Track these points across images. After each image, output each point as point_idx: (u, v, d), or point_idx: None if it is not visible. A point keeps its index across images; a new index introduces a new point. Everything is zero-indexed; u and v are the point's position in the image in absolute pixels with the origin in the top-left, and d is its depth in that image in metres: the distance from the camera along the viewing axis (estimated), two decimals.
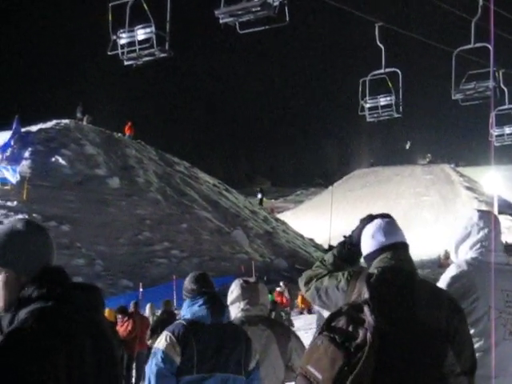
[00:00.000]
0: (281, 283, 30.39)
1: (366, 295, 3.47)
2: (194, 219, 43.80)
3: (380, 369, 3.32)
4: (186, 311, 4.98)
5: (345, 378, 3.26)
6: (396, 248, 3.69)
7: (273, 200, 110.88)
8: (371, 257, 3.76)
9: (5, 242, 2.93)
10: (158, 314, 20.98)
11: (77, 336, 2.78)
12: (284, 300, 29.86)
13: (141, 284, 29.88)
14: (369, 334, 3.31)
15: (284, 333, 5.57)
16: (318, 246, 56.35)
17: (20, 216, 35.12)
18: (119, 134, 55.12)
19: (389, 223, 3.78)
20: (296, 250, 48.49)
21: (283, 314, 27.52)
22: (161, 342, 4.81)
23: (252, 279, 5.75)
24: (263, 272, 36.56)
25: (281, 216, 72.60)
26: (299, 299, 33.72)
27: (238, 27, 17.60)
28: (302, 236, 57.54)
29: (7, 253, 2.92)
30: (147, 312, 19.84)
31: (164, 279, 33.07)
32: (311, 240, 58.20)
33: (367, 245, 3.79)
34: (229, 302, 5.50)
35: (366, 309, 3.40)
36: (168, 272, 34.21)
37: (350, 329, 3.39)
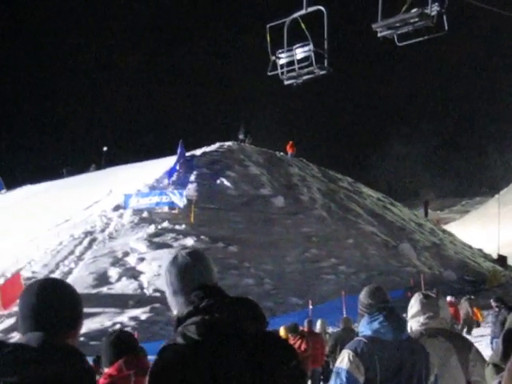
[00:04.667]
0: (448, 297, 29.66)
1: None
2: (359, 234, 43.54)
3: None
4: (366, 328, 4.90)
5: None
6: None
7: (438, 211, 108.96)
8: None
9: (167, 270, 3.26)
10: (329, 330, 20.97)
11: (221, 350, 2.87)
12: (455, 311, 28.94)
13: (310, 301, 29.93)
14: None
15: (464, 345, 5.42)
16: (486, 256, 54.98)
17: (189, 239, 36.09)
18: (281, 153, 55.68)
19: None
20: (465, 261, 47.40)
21: (455, 326, 26.86)
22: (344, 361, 4.74)
23: (432, 293, 5.63)
24: (432, 284, 35.82)
25: (447, 227, 71.22)
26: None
27: (396, 39, 17.42)
28: (470, 246, 56.27)
29: (168, 278, 3.24)
30: (318, 328, 19.82)
31: (333, 295, 32.99)
32: (480, 250, 56.85)
33: None
34: (409, 316, 5.44)
35: None
36: (336, 288, 34.11)
37: None
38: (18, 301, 3.00)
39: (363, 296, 5.13)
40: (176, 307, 3.17)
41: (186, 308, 3.04)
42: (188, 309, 3.02)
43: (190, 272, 3.17)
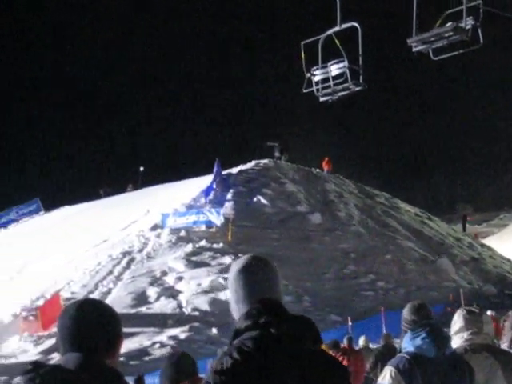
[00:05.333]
0: (488, 312, 29.31)
1: None
2: (397, 250, 43.27)
3: None
4: (408, 344, 4.86)
5: None
6: None
7: (476, 226, 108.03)
8: None
9: (234, 278, 3.24)
10: (370, 346, 20.81)
11: (275, 365, 2.87)
12: (497, 326, 28.60)
13: (349, 318, 29.78)
14: None
15: (509, 360, 5.34)
16: None
17: (226, 257, 36.07)
18: (317, 170, 55.67)
19: None
20: (504, 274, 46.87)
21: (496, 341, 26.54)
22: (386, 378, 4.71)
23: (475, 309, 5.57)
24: (472, 299, 35.43)
25: (485, 241, 70.57)
26: None
27: (431, 54, 17.40)
28: (509, 260, 55.65)
29: (233, 286, 3.23)
30: (361, 344, 19.71)
31: (372, 312, 32.79)
32: None
33: None
34: (452, 332, 5.38)
35: None
36: (375, 304, 33.91)
37: None
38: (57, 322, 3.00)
39: (406, 312, 5.10)
40: (238, 315, 3.15)
41: (244, 321, 3.03)
42: (246, 322, 3.01)
43: (255, 284, 3.17)
